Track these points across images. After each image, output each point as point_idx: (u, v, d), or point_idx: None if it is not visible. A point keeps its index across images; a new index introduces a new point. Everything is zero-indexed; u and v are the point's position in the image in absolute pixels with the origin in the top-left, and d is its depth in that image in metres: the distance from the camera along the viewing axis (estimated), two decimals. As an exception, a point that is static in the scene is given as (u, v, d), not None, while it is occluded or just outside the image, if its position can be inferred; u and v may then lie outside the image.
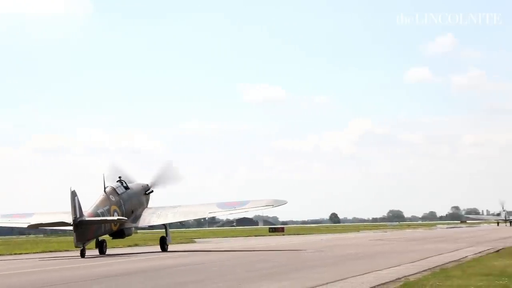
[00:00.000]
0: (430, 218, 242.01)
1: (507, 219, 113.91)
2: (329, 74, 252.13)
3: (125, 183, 34.66)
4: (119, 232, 33.66)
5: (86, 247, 30.13)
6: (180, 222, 36.50)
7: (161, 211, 35.44)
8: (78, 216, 29.29)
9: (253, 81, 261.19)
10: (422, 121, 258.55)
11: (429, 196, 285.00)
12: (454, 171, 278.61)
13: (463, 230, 72.67)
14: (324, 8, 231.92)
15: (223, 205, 35.33)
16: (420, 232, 64.71)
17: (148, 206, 36.23)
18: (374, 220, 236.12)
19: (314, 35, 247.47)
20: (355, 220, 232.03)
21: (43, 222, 34.13)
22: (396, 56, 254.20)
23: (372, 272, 16.90)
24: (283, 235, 66.19)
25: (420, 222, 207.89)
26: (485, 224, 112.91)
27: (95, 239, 32.22)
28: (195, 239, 55.60)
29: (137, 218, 34.91)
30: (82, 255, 29.53)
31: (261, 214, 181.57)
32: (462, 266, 18.15)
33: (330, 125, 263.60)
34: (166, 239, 34.80)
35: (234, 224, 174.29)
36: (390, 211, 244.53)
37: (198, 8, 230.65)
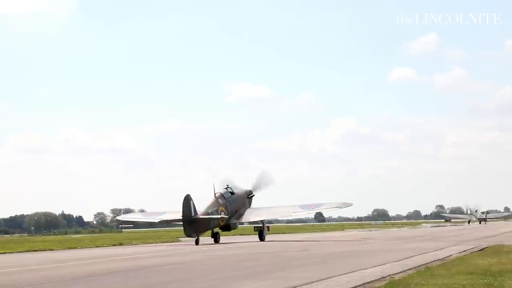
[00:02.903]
0: (415, 217, 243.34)
1: (479, 218, 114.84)
2: (313, 74, 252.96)
3: (231, 189, 45.01)
4: (226, 227, 44.31)
5: (200, 237, 40.34)
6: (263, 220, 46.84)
7: (258, 211, 46.17)
8: (193, 214, 39.48)
9: (236, 80, 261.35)
10: (406, 121, 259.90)
11: (414, 195, 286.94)
12: (438, 170, 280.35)
13: (447, 229, 73.01)
14: (308, 8, 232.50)
15: (304, 206, 45.75)
16: (405, 231, 64.94)
17: (252, 206, 46.64)
18: (359, 219, 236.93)
19: (298, 34, 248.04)
20: (340, 219, 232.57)
21: (169, 219, 45.91)
22: (380, 55, 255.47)
23: (357, 271, 16.91)
24: (269, 234, 66.07)
25: (405, 221, 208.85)
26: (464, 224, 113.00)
27: (210, 231, 42.82)
28: (180, 238, 55.42)
29: (240, 216, 45.42)
30: (197, 243, 39.36)
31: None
32: (446, 265, 18.20)
33: (314, 125, 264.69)
34: (263, 232, 44.95)
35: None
36: (375, 210, 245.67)
37: (181, 7, 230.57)
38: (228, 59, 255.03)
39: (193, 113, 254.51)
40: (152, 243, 46.66)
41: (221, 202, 43.57)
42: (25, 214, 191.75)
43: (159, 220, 47.19)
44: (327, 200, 46.51)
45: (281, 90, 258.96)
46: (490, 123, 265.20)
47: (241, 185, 46.76)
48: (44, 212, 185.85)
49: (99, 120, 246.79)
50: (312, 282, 14.57)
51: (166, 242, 47.93)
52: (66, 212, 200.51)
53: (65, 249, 40.37)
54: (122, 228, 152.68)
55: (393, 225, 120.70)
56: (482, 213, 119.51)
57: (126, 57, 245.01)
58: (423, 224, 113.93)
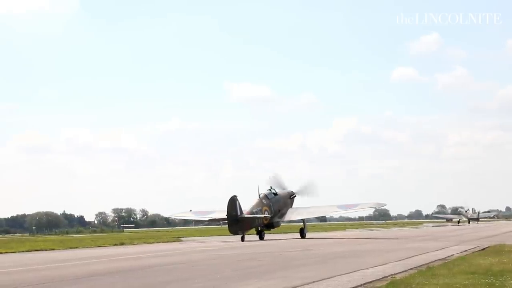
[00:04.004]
0: (416, 216, 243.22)
1: (470, 217, 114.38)
2: (314, 73, 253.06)
3: (275, 190, 48.81)
4: (270, 225, 47.84)
5: (245, 234, 44.06)
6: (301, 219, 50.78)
7: (300, 210, 49.49)
8: (239, 214, 43.45)
9: (237, 80, 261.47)
10: (407, 120, 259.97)
11: (415, 195, 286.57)
12: (440, 170, 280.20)
13: (448, 228, 72.97)
14: (308, 8, 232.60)
15: (341, 207, 49.04)
16: (406, 231, 64.90)
17: (294, 206, 50.06)
18: (361, 218, 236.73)
19: (298, 34, 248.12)
20: (341, 219, 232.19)
21: (217, 218, 49.74)
22: (381, 55, 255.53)
23: (358, 270, 16.89)
24: (269, 233, 66.19)
25: (406, 220, 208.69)
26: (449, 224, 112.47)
27: (255, 229, 46.81)
28: (181, 238, 55.43)
29: (282, 215, 48.97)
30: (242, 239, 42.85)
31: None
32: (448, 264, 18.18)
33: (314, 124, 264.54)
34: (304, 229, 48.67)
35: (221, 223, 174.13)
36: (376, 210, 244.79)
37: (181, 7, 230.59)
38: (228, 59, 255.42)
39: (193, 113, 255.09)
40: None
41: (264, 202, 47.37)
42: (26, 213, 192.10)
43: (209, 218, 51.14)
44: (361, 200, 50.20)
45: (282, 90, 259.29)
46: (492, 123, 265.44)
47: (287, 184, 50.68)
48: (46, 212, 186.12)
49: (100, 120, 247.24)
50: (313, 282, 14.55)
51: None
52: (68, 212, 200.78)
53: (66, 248, 40.35)
54: (123, 228, 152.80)
55: (394, 224, 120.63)
56: (474, 213, 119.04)
57: (127, 57, 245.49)
58: (424, 224, 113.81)
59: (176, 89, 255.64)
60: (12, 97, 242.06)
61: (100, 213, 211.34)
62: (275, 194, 48.79)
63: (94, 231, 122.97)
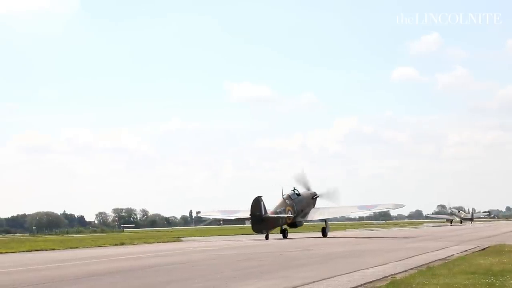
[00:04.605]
0: (417, 216, 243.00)
1: (463, 218, 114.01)
2: (314, 73, 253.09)
3: (298, 191, 50.66)
4: (293, 224, 50.00)
5: (269, 233, 46.35)
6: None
7: (322, 210, 51.50)
8: (263, 213, 45.51)
9: (237, 80, 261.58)
10: (407, 120, 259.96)
11: (415, 195, 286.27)
12: (440, 170, 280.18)
13: (449, 228, 72.96)
14: (308, 8, 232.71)
15: (362, 207, 51.74)
16: (406, 231, 64.89)
17: (316, 206, 52.02)
18: (361, 218, 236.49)
19: (298, 34, 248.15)
20: (341, 218, 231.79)
21: (243, 217, 51.48)
22: (381, 55, 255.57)
23: (358, 270, 16.88)
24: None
25: (406, 220, 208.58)
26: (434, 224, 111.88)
27: (279, 228, 48.41)
28: (182, 238, 55.43)
29: (305, 215, 51.03)
30: (266, 238, 44.70)
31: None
32: (448, 264, 18.17)
33: (315, 124, 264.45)
34: (325, 229, 50.30)
35: (221, 223, 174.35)
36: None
37: (181, 7, 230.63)
38: (229, 59, 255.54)
39: (194, 113, 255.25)
40: (153, 242, 46.67)
41: (288, 202, 49.23)
42: (26, 213, 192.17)
43: (235, 217, 53.23)
44: (381, 201, 52.91)
45: (282, 90, 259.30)
46: (492, 123, 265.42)
47: (311, 185, 52.85)
48: (46, 212, 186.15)
49: (101, 119, 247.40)
50: (313, 281, 14.54)
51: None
52: (68, 212, 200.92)
53: (66, 248, 40.34)
54: (123, 228, 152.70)
55: (394, 224, 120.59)
56: (466, 213, 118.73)
57: (127, 57, 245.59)
58: (424, 224, 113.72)
59: (176, 89, 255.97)
60: (12, 97, 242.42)
61: (100, 213, 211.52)
62: (298, 194, 50.65)
63: (94, 231, 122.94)
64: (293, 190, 50.70)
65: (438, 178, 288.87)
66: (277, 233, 49.29)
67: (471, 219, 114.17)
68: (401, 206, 53.29)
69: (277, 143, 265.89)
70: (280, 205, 48.51)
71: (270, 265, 20.05)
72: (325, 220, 51.49)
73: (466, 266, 17.27)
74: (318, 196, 52.54)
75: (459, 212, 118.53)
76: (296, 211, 49.68)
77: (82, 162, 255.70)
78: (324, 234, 49.83)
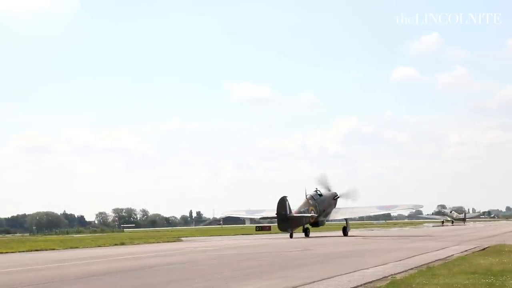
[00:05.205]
0: (417, 216, 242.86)
1: (455, 218, 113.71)
2: (314, 73, 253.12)
3: (320, 192, 52.34)
4: (316, 223, 51.96)
5: (293, 232, 48.31)
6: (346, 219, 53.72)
7: (343, 210, 53.16)
8: (288, 213, 47.22)
9: (237, 80, 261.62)
10: (407, 120, 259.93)
11: (416, 195, 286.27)
12: (440, 170, 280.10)
13: (449, 228, 72.97)
14: (308, 8, 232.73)
15: (381, 207, 54.12)
16: (406, 231, 64.89)
17: (336, 206, 53.69)
18: (361, 218, 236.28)
19: (298, 34, 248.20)
20: (341, 218, 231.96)
21: (268, 216, 53.35)
22: (381, 55, 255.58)
23: (359, 270, 16.88)
24: (270, 233, 66.46)
25: (406, 220, 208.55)
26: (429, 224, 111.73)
27: (301, 227, 50.22)
28: (182, 238, 55.43)
29: (327, 215, 52.93)
30: (291, 236, 46.87)
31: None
32: (448, 264, 18.17)
33: (315, 124, 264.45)
34: (346, 228, 51.72)
35: (221, 222, 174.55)
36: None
37: (181, 7, 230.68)
38: (229, 59, 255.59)
39: (194, 113, 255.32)
40: (153, 242, 46.66)
41: (311, 202, 51.10)
42: (26, 213, 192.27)
43: (260, 216, 55.58)
44: (400, 202, 54.86)
45: (282, 90, 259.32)
46: (492, 123, 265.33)
47: (332, 185, 54.50)
48: (46, 212, 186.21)
49: (101, 119, 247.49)
50: (313, 281, 14.54)
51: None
52: (68, 212, 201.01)
53: (66, 248, 40.36)
54: (123, 228, 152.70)
55: (394, 224, 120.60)
56: (459, 213, 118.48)
57: (128, 57, 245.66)
58: (424, 224, 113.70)
59: (176, 89, 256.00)
60: (12, 97, 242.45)
61: (101, 213, 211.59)
62: (320, 195, 52.46)
63: (95, 231, 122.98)
64: (316, 191, 52.32)
65: (438, 178, 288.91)
66: (300, 232, 51.02)
67: (463, 219, 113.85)
68: (420, 206, 55.74)
69: (277, 143, 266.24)
70: (304, 205, 50.25)
71: (270, 265, 20.04)
72: (346, 220, 52.84)
73: (466, 266, 17.27)
74: (339, 197, 54.05)
75: (451, 212, 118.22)
76: (319, 211, 51.41)
77: (82, 162, 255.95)
78: (345, 233, 51.11)
